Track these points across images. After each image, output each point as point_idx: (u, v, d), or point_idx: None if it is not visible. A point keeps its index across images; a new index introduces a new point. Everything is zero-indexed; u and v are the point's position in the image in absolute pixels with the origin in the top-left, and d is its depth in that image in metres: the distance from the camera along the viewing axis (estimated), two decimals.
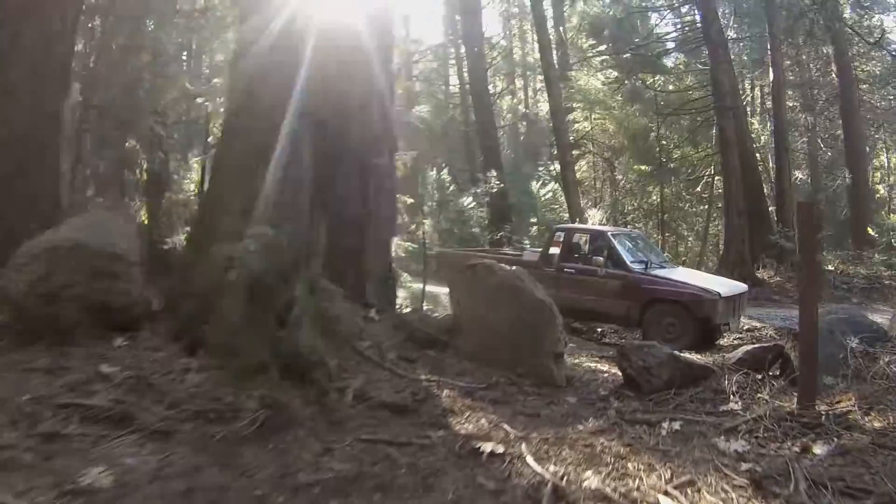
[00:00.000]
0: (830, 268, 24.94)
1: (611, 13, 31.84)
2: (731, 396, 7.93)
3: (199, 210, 11.94)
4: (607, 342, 16.67)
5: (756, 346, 9.58)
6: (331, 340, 8.14)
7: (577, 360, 11.90)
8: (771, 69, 28.28)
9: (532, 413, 7.59)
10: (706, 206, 31.39)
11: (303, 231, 8.56)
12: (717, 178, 30.50)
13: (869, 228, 27.39)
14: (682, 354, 8.94)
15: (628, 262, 15.67)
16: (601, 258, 15.67)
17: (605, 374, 10.23)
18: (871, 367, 8.04)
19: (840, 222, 31.14)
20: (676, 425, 6.86)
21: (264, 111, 8.61)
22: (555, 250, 16.55)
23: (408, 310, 12.19)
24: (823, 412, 6.87)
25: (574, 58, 34.80)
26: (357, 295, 10.14)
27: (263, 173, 8.26)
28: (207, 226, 8.34)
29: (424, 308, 14.91)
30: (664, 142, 30.13)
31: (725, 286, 15.28)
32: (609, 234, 16.50)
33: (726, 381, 8.31)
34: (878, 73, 34.14)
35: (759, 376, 8.46)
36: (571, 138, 30.20)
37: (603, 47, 31.78)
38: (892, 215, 29.04)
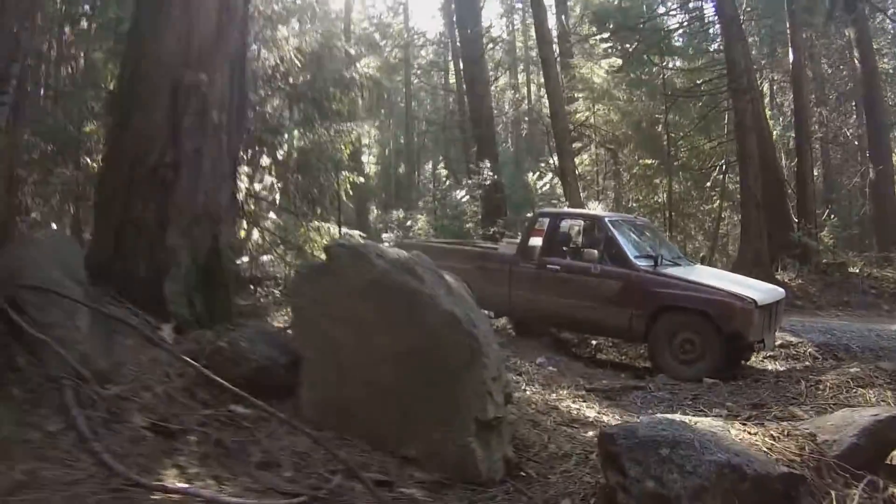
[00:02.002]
0: (855, 270, 20.08)
1: (615, 2, 27.00)
2: None
3: None
4: (602, 358, 12.10)
5: (875, 416, 4.32)
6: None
7: (552, 396, 7.77)
8: (791, 51, 23.26)
9: None
10: (717, 202, 26.42)
11: None
12: (727, 174, 25.61)
13: None
14: (746, 460, 3.69)
15: (631, 258, 10.79)
16: (595, 251, 10.80)
17: (590, 436, 5.52)
18: None
19: (860, 222, 26.07)
20: None
21: None
22: (536, 241, 11.57)
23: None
24: None
25: (577, 48, 29.88)
26: (148, 299, 5.29)
27: None
28: None
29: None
30: (671, 133, 25.08)
31: (760, 291, 10.48)
32: (607, 220, 11.56)
33: None
34: (891, 70, 29.19)
35: None
36: (572, 128, 25.32)
37: (606, 34, 26.66)
38: None
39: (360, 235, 12.69)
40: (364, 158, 36.84)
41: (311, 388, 4.69)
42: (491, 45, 34.20)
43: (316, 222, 13.03)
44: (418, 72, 36.49)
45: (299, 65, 12.38)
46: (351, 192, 13.91)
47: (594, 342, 12.53)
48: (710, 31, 26.10)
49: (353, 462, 4.10)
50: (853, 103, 29.98)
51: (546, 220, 11.87)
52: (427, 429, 4.30)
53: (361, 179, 14.15)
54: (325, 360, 4.68)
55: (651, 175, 26.09)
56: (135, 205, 5.90)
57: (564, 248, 11.47)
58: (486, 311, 12.61)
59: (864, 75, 24.46)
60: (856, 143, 28.82)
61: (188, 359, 4.66)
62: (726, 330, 9.61)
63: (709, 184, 26.50)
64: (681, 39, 28.05)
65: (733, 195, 25.23)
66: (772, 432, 4.09)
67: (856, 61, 25.36)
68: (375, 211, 33.37)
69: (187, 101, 6.04)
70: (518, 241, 12.33)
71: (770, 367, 10.95)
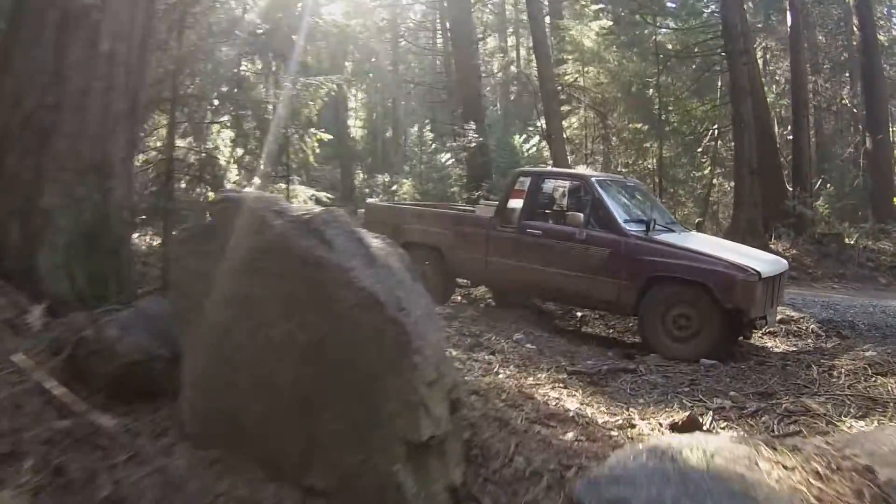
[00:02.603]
0: (851, 242, 18.95)
1: None
2: None
3: None
4: (588, 332, 10.87)
5: None
6: None
7: (528, 380, 6.55)
8: (788, 13, 21.95)
9: None
10: (708, 168, 25.23)
11: None
12: (719, 140, 24.62)
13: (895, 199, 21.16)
14: None
15: (620, 222, 9.47)
16: (581, 215, 9.45)
17: (569, 440, 4.46)
18: None
19: (853, 193, 24.77)
20: None
21: None
22: (516, 203, 10.27)
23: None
24: None
25: (567, 10, 28.56)
26: (22, 272, 4.08)
27: None
28: None
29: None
30: (663, 97, 23.71)
31: (763, 262, 9.25)
32: (594, 180, 10.19)
33: None
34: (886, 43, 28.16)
35: None
36: (560, 88, 24.05)
37: None
38: None
39: (327, 198, 11.32)
40: (350, 122, 35.58)
41: (193, 393, 3.40)
42: (480, 5, 32.74)
43: (281, 184, 11.76)
44: (405, 33, 34.89)
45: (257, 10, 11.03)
46: (318, 150, 12.40)
47: (579, 314, 11.29)
48: None
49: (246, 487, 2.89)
50: (847, 73, 29.04)
51: (527, 180, 10.53)
52: (339, 451, 3.03)
53: (329, 137, 12.63)
54: (209, 354, 3.36)
55: (641, 139, 24.71)
56: (9, 158, 4.63)
57: (547, 211, 10.15)
58: (463, 279, 11.42)
59: (863, 43, 23.01)
60: (854, 110, 27.48)
61: (22, 358, 3.38)
62: (726, 304, 8.38)
63: (700, 149, 25.28)
64: (674, 3, 26.73)
65: (725, 161, 24.43)
66: (816, 466, 2.84)
67: (854, 28, 23.95)
68: (361, 175, 31.95)
69: (75, 32, 4.76)
70: (496, 203, 11.02)
71: (770, 345, 9.86)
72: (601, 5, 25.49)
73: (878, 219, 20.55)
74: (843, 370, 7.20)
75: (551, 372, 7.02)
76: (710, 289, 8.42)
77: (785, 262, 10.09)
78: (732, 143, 20.87)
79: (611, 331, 10.77)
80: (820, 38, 29.77)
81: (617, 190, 10.43)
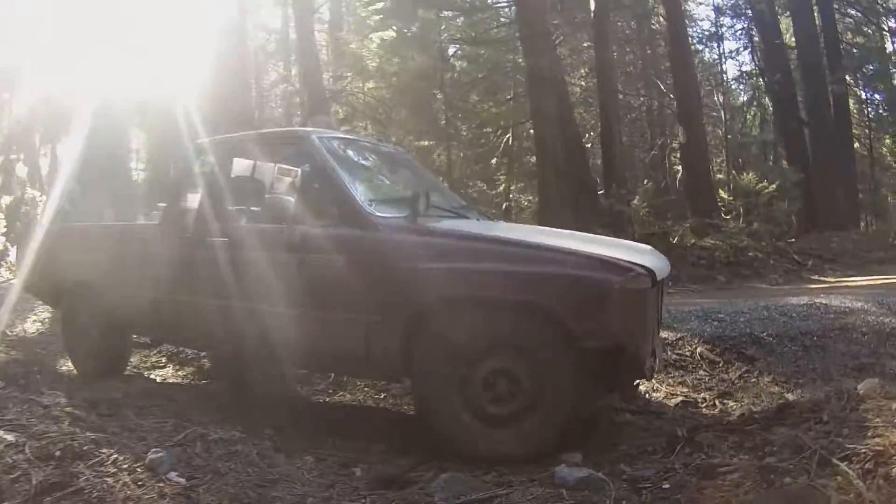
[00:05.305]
0: (674, 241, 15.33)
1: None
2: None
3: None
4: (345, 401, 5.81)
5: None
6: None
7: None
8: (592, 1, 17.87)
9: None
10: (503, 184, 22.07)
11: None
12: (514, 143, 21.41)
13: (721, 191, 18.28)
14: None
15: (361, 204, 4.26)
16: (290, 199, 4.23)
17: None
18: None
19: (668, 190, 22.38)
20: None
21: None
22: (193, 200, 5.03)
23: None
24: None
25: (350, 24, 24.64)
26: None
27: None
28: None
29: None
30: (450, 102, 19.91)
31: (645, 256, 4.30)
32: (316, 139, 4.85)
33: None
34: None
35: None
36: (330, 97, 20.35)
37: (381, 5, 20.76)
38: (744, 175, 19.10)
39: None
40: (133, 165, 30.47)
41: None
42: (264, 33, 29.31)
43: None
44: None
45: None
46: None
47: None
48: None
49: None
50: (640, 85, 27.04)
51: (212, 158, 5.24)
52: None
53: None
54: None
55: (427, 149, 20.49)
56: None
57: (243, 207, 4.88)
58: (138, 336, 6.15)
59: (672, 35, 19.72)
60: (665, 109, 25.13)
61: None
62: (589, 340, 3.56)
63: (494, 161, 21.52)
64: None
65: (522, 174, 21.31)
66: None
67: (661, 18, 20.62)
68: (142, 219, 26.59)
69: None
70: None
71: (646, 390, 5.27)
72: (381, 16, 21.05)
73: (698, 214, 17.08)
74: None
75: None
76: (555, 311, 3.58)
77: (665, 258, 5.12)
78: (529, 154, 16.95)
79: (383, 396, 5.67)
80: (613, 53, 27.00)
81: (359, 155, 5.38)
